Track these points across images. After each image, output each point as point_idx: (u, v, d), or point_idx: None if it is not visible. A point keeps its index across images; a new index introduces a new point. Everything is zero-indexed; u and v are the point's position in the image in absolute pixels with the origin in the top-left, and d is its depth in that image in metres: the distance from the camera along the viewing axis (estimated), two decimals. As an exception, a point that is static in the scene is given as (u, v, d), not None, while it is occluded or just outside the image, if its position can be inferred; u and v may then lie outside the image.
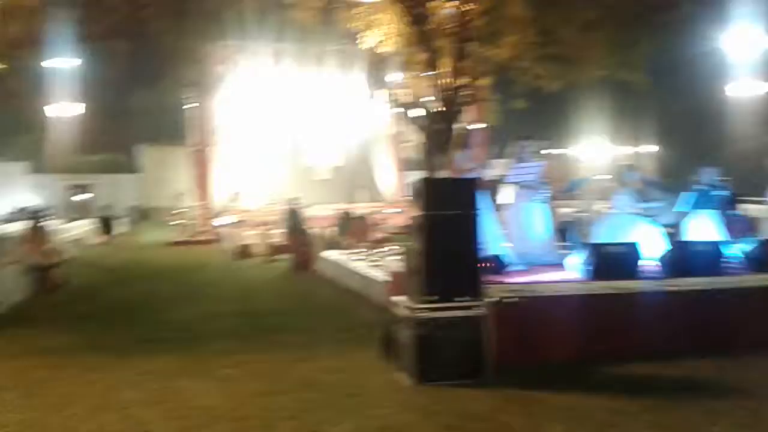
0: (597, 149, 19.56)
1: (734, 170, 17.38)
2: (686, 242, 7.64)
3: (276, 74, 20.62)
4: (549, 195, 8.37)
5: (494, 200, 8.10)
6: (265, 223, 16.00)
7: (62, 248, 13.29)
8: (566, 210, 11.25)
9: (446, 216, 5.75)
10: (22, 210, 21.20)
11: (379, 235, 14.25)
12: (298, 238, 13.48)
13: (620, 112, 20.68)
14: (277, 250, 14.49)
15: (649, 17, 14.47)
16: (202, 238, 19.47)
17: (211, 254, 16.56)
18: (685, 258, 6.71)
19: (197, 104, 20.50)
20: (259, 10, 16.35)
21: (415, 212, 5.92)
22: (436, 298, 5.62)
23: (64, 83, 20.26)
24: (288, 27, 16.95)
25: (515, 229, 8.05)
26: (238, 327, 8.02)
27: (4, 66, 14.44)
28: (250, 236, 16.06)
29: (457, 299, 5.67)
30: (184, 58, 17.37)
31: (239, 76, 20.44)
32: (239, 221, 18.07)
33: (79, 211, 27.05)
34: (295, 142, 21.70)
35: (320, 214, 16.61)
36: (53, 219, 17.92)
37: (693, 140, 22.67)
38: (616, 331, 6.22)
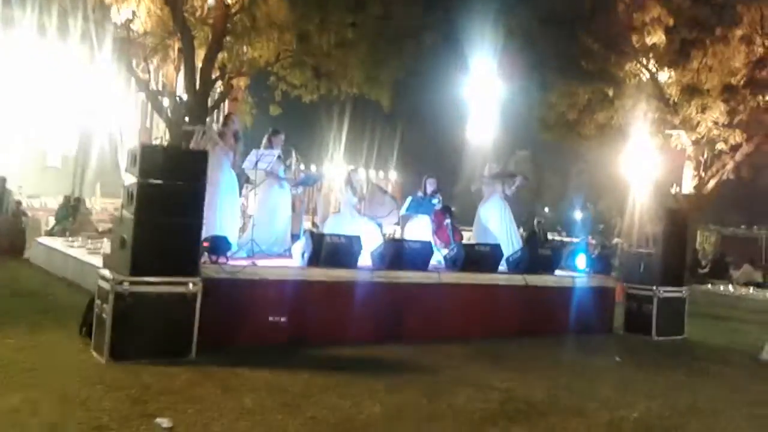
0: (341, 162, 20.62)
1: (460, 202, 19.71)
2: (398, 240, 8.29)
3: (3, 44, 18.07)
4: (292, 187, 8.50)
5: (240, 186, 8.16)
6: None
7: None
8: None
9: (165, 186, 5.48)
10: None
11: (107, 226, 13.15)
12: (7, 222, 11.94)
13: (368, 130, 22.21)
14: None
15: (400, 42, 15.69)
16: None
17: None
18: (395, 254, 7.27)
19: None
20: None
21: (130, 180, 5.58)
22: (140, 271, 5.32)
23: None
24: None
25: (256, 215, 8.08)
26: None
27: None
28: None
29: (166, 274, 5.43)
30: None
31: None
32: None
33: None
34: (24, 124, 19.20)
35: (45, 200, 14.96)
36: None
37: (429, 171, 24.86)
38: (325, 317, 6.49)
